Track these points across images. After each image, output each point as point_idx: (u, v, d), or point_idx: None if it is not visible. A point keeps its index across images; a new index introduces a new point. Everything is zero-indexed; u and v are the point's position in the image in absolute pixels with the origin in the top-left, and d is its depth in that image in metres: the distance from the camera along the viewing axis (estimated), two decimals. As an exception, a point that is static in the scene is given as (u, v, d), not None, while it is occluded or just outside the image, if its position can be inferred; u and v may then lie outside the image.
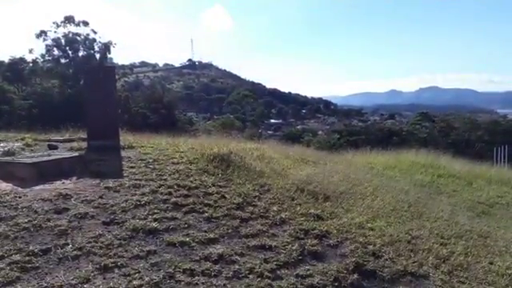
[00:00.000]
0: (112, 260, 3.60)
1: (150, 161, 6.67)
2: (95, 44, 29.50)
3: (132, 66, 54.76)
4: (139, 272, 3.48)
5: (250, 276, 3.66)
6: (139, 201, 4.91)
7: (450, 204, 8.19)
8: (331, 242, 4.60)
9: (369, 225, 5.28)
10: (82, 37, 29.08)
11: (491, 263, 4.84)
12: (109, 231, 4.14)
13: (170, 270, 3.58)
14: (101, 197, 4.94)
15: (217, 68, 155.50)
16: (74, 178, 5.61)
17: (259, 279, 3.62)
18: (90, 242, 3.86)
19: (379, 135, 42.60)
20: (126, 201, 4.88)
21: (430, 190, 9.42)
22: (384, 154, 14.35)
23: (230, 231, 4.48)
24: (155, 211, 4.71)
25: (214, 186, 5.71)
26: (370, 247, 4.58)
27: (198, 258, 3.85)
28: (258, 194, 5.72)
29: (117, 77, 19.59)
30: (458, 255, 4.83)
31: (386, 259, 4.38)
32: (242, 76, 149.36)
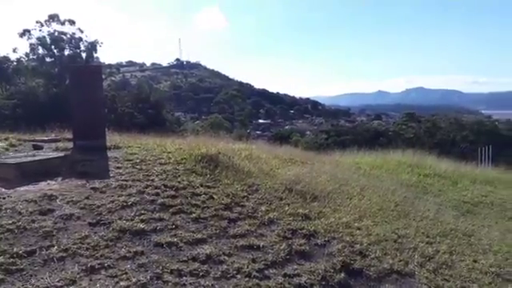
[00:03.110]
0: (98, 261, 3.56)
1: (137, 161, 6.61)
2: (81, 43, 29.12)
3: (119, 66, 54.35)
4: (126, 273, 3.45)
5: (238, 276, 3.66)
6: (126, 201, 4.87)
7: (435, 203, 8.31)
8: (319, 241, 4.63)
9: (356, 224, 5.32)
10: (68, 36, 28.67)
11: (475, 261, 4.92)
12: (95, 232, 4.10)
13: (158, 270, 3.56)
14: (87, 197, 4.88)
15: (205, 68, 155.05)
16: (60, 179, 5.54)
17: (247, 279, 3.62)
18: (75, 244, 3.81)
19: (366, 135, 43.08)
20: (113, 201, 4.83)
21: (416, 190, 9.55)
22: (371, 154, 14.50)
23: (217, 231, 4.47)
24: (142, 212, 4.67)
25: (201, 186, 5.69)
26: (357, 246, 4.62)
27: (185, 258, 3.83)
28: (246, 194, 5.72)
29: (103, 76, 19.36)
30: (442, 253, 4.90)
31: (373, 258, 4.42)
32: (231, 76, 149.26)
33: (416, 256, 4.66)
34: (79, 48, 29.18)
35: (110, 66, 38.37)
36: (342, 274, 3.98)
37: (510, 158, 26.72)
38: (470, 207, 8.88)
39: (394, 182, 9.68)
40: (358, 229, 5.18)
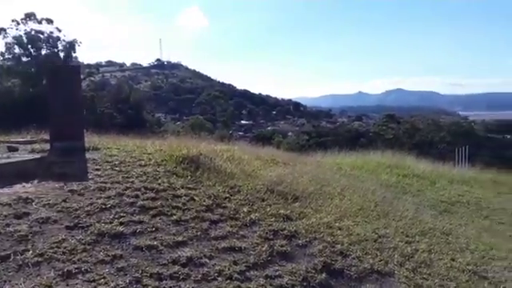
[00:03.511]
0: (75, 266, 3.47)
1: (117, 163, 6.50)
2: (59, 42, 28.59)
3: (98, 66, 53.50)
4: (104, 277, 3.37)
5: (219, 278, 3.63)
6: (105, 204, 4.77)
7: (414, 203, 8.47)
8: (300, 242, 4.64)
9: (337, 224, 5.36)
10: (46, 35, 28.13)
11: (453, 259, 5.03)
12: (72, 236, 4.00)
13: (137, 274, 3.49)
14: (64, 200, 4.76)
15: (186, 68, 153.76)
16: (36, 181, 5.38)
17: (228, 281, 3.60)
18: (52, 248, 3.70)
19: (347, 136, 43.64)
20: (91, 204, 4.73)
21: (396, 190, 9.72)
22: (351, 155, 14.70)
23: (198, 234, 4.42)
24: (121, 215, 4.58)
25: (182, 188, 5.63)
26: (338, 246, 4.65)
27: (165, 261, 3.77)
28: (227, 195, 5.69)
29: (82, 76, 19.02)
30: (421, 252, 4.99)
31: (354, 258, 4.46)
32: (212, 76, 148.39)
33: (396, 255, 4.72)
34: (57, 47, 28.65)
35: (89, 65, 37.79)
36: (323, 275, 4.00)
37: (485, 158, 27.49)
38: (447, 206, 9.09)
39: (373, 182, 9.82)
40: (339, 229, 5.22)
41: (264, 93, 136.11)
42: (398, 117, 51.16)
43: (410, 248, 5.04)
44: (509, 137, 65.18)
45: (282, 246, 4.40)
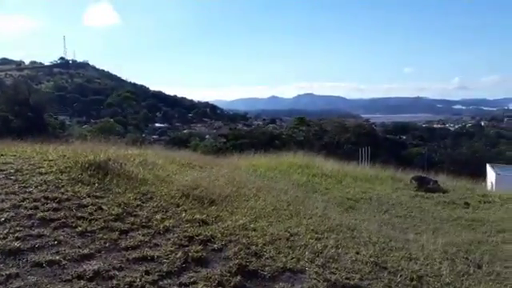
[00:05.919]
0: (-41, 291, 3.06)
1: (12, 171, 5.88)
2: None
3: (-10, 63, 47.94)
4: (-4, 301, 3.02)
5: (130, 290, 3.46)
6: (-3, 218, 4.28)
7: (323, 201, 8.97)
8: (216, 246, 4.62)
9: (252, 225, 5.45)
10: None
11: (357, 253, 5.40)
12: (-45, 257, 3.52)
13: (36, 294, 3.19)
14: None
15: (93, 68, 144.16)
16: None
17: (140, 292, 3.45)
18: None
19: (262, 139, 44.78)
20: (-20, 219, 4.21)
21: (306, 189, 10.20)
22: (266, 157, 15.13)
23: (107, 245, 4.18)
24: (17, 229, 4.17)
25: (89, 196, 5.28)
26: (253, 247, 4.72)
27: (69, 277, 3.51)
28: (139, 202, 5.47)
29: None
30: (330, 248, 5.27)
31: (267, 258, 4.56)
32: (123, 77, 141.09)
33: (306, 252, 4.93)
34: None
35: (-22, 62, 33.64)
36: (238, 277, 4.02)
37: (384, 156, 30.24)
38: (352, 203, 9.78)
39: (286, 182, 10.20)
40: (254, 230, 5.30)
41: (179, 95, 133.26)
42: (309, 120, 53.95)
43: (319, 244, 5.30)
44: (404, 137, 72.79)
45: (197, 252, 4.34)
